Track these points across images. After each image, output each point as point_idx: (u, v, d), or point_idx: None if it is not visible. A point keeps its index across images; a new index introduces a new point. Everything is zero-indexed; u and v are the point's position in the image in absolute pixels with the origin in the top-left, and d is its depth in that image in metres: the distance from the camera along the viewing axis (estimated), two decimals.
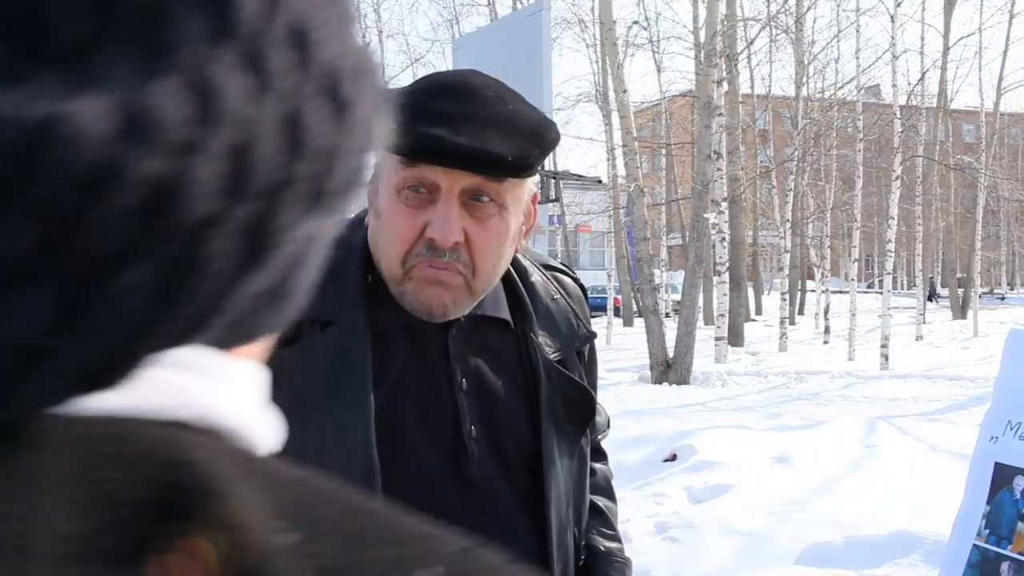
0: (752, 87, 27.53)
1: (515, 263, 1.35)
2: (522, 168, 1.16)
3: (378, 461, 1.14)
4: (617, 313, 25.94)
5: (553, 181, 6.65)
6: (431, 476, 1.20)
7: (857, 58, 20.58)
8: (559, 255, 23.33)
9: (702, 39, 17.03)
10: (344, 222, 1.31)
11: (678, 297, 17.66)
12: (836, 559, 4.49)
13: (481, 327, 1.28)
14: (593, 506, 1.44)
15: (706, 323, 23.03)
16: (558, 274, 1.44)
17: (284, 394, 1.15)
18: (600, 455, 1.55)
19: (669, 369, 13.68)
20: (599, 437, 1.55)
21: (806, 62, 21.82)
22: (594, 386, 1.45)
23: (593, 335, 1.42)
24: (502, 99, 1.16)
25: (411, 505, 1.12)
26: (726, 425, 8.22)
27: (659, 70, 25.82)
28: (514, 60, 6.51)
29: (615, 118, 17.24)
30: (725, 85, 15.35)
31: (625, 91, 14.81)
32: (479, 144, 1.10)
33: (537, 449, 1.26)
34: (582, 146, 49.34)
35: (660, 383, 13.47)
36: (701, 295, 16.68)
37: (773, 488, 5.85)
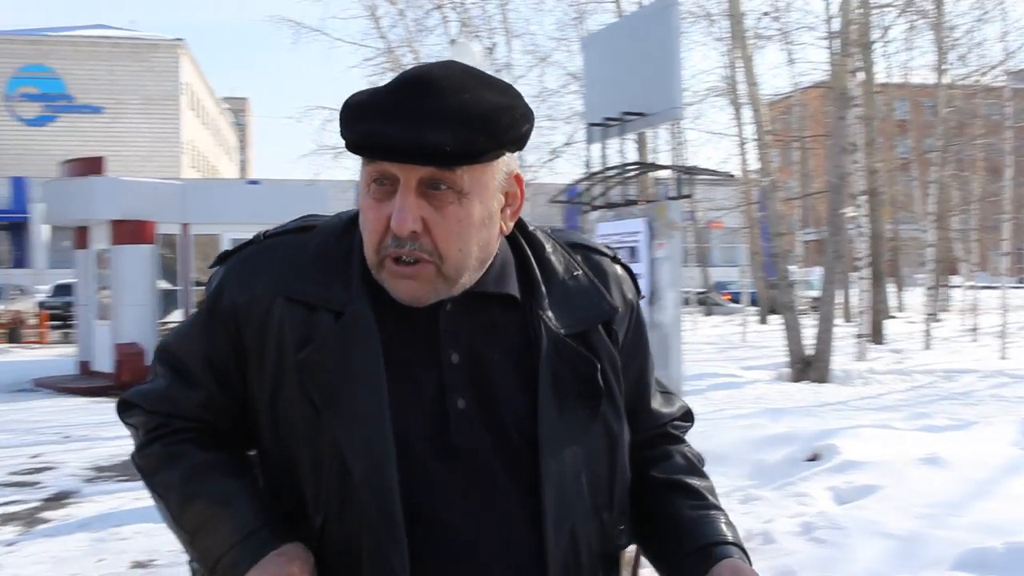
0: (889, 75, 26.53)
1: (531, 240, 1.37)
2: (466, 156, 1.17)
3: (391, 443, 1.20)
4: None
5: (685, 177, 6.54)
6: (415, 445, 1.23)
7: (1003, 41, 19.63)
8: (687, 252, 22.98)
9: (835, 28, 16.50)
10: (347, 216, 1.34)
11: (814, 294, 17.17)
12: (997, 566, 4.26)
13: (483, 303, 1.29)
14: (675, 483, 1.40)
15: (845, 320, 22.32)
16: (588, 252, 1.42)
17: (314, 389, 1.25)
18: (672, 440, 1.48)
19: (808, 367, 13.32)
20: (668, 424, 1.49)
21: (947, 48, 20.90)
22: (643, 362, 1.45)
23: (615, 310, 1.37)
24: (458, 88, 1.18)
25: (400, 472, 1.12)
26: (870, 425, 7.94)
27: (790, 61, 25.16)
28: (643, 56, 6.44)
29: (746, 112, 16.88)
30: (861, 74, 14.82)
31: (756, 84, 14.49)
32: (416, 137, 1.14)
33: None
34: (712, 141, 48.30)
35: (798, 381, 13.14)
36: (840, 291, 16.16)
37: (923, 490, 5.61)
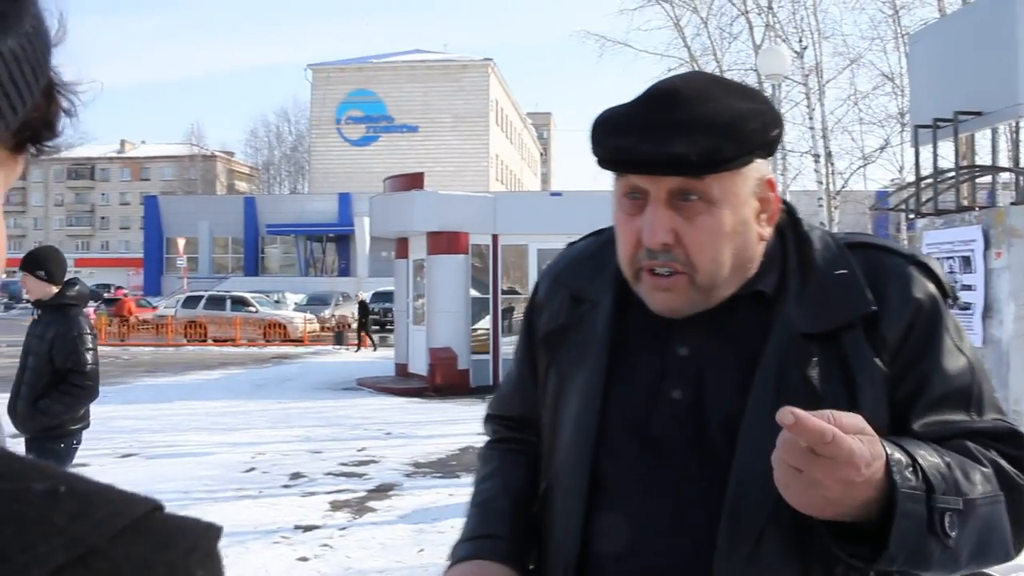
0: None
1: (801, 238, 1.32)
2: (713, 164, 1.17)
3: (596, 418, 1.29)
4: None
5: None
6: (617, 427, 1.29)
7: None
8: None
9: None
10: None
11: None
12: None
13: (732, 301, 1.27)
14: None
15: None
16: (872, 251, 1.31)
17: (564, 359, 1.40)
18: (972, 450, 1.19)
19: None
20: (963, 435, 1.20)
21: None
22: (928, 372, 1.22)
23: (869, 307, 1.22)
24: (703, 98, 1.20)
25: (608, 454, 1.32)
26: None
27: None
28: (980, 51, 5.96)
29: None
30: None
31: None
32: (661, 148, 1.16)
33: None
34: None
35: None
36: None
37: None
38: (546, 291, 1.48)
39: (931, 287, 1.28)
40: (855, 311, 1.23)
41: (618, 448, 1.29)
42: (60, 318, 4.49)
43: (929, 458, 1.11)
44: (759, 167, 1.24)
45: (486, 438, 1.61)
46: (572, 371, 1.36)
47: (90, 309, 32.45)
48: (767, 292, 1.27)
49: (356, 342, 26.33)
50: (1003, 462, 1.19)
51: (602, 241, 1.44)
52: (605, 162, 1.24)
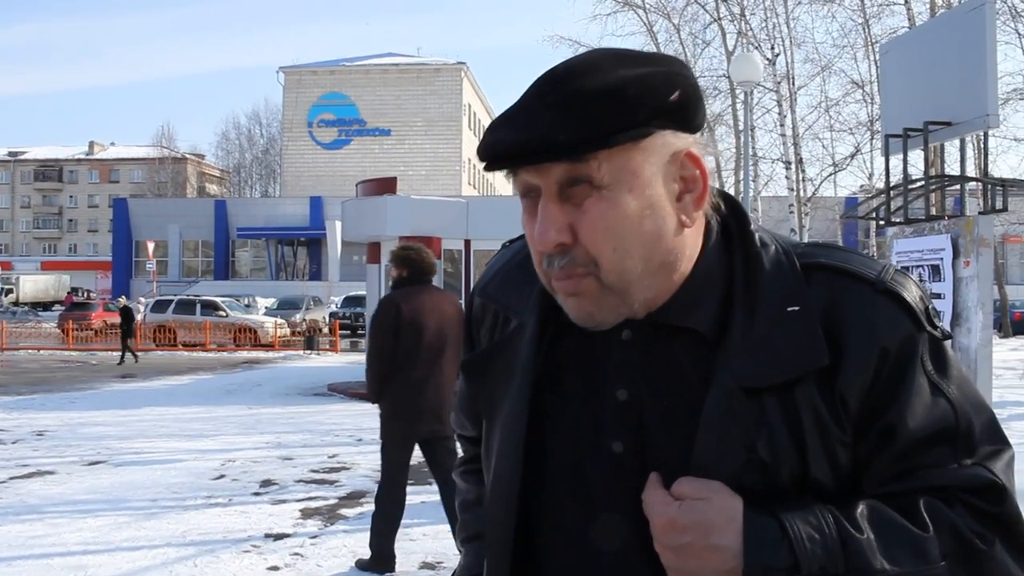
0: None
1: (749, 257, 1.12)
2: (587, 141, 1.01)
3: (518, 470, 1.15)
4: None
5: (1000, 189, 6.04)
6: (557, 482, 1.15)
7: None
8: None
9: None
10: None
11: None
12: None
13: (668, 335, 1.11)
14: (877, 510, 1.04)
15: None
16: (834, 276, 1.10)
17: (487, 394, 1.25)
18: (934, 507, 1.05)
19: None
20: (932, 491, 1.06)
21: None
22: (895, 420, 1.06)
23: (821, 360, 1.04)
24: (588, 72, 1.03)
25: (532, 499, 1.16)
26: None
27: None
28: (950, 61, 6.01)
29: None
30: None
31: None
32: (524, 135, 1.02)
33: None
34: (1015, 148, 44.41)
35: None
36: None
37: None
38: (479, 306, 1.32)
39: (903, 322, 1.08)
40: (806, 364, 1.05)
41: (552, 504, 1.15)
42: None
43: (805, 528, 1.00)
44: (669, 139, 1.06)
45: (458, 462, 1.55)
46: (498, 407, 1.21)
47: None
48: (705, 333, 1.09)
49: (121, 350, 23.75)
50: (963, 523, 1.03)
51: None
52: (482, 162, 1.08)
